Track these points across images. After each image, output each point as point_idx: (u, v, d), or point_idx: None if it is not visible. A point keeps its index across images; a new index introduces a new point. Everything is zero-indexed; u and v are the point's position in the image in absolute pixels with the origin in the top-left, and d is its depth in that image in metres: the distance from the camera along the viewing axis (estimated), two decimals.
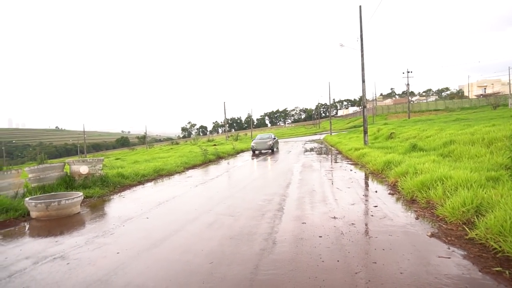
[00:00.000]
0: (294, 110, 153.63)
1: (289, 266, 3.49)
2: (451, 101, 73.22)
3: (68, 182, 9.00)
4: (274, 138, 24.27)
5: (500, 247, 3.42)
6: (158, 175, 12.26)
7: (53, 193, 7.57)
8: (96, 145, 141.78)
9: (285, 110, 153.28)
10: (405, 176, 7.19)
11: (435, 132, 16.11)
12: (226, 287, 3.13)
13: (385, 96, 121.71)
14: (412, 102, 73.00)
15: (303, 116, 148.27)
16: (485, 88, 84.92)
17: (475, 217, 4.23)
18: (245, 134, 72.90)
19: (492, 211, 4.05)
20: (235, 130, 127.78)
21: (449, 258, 3.46)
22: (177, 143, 67.41)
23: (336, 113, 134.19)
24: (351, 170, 10.94)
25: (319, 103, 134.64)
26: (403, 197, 6.33)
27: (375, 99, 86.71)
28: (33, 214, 6.43)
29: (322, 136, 43.23)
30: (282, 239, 4.38)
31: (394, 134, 20.70)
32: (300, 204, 6.35)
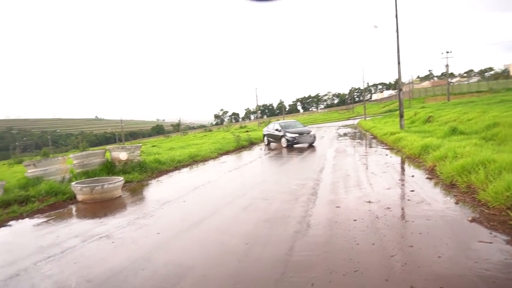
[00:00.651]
0: (326, 95, 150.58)
1: (324, 248, 3.53)
2: (496, 82, 68.66)
3: (109, 168, 9.48)
4: (308, 133, 16.22)
5: None
6: (193, 160, 12.60)
7: (96, 177, 8.01)
8: (133, 133, 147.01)
9: (317, 95, 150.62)
10: (444, 160, 6.92)
11: (477, 115, 15.33)
12: (261, 266, 3.23)
13: (423, 79, 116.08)
14: (451, 84, 69.22)
15: (336, 101, 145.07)
16: None
17: None
18: (277, 120, 72.67)
19: None
20: (267, 117, 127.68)
21: (491, 243, 3.35)
22: (210, 130, 68.54)
23: (371, 97, 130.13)
24: (386, 154, 10.69)
25: (352, 88, 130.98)
26: (442, 182, 6.13)
27: (412, 81, 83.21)
28: (79, 197, 6.87)
29: (356, 121, 42.21)
30: (316, 222, 4.41)
31: (432, 117, 19.87)
32: (334, 189, 6.33)
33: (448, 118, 17.76)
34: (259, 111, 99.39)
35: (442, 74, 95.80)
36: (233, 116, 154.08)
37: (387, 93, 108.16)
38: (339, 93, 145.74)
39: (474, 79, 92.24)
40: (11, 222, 5.60)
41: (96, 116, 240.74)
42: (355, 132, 24.03)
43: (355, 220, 4.36)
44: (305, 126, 18.17)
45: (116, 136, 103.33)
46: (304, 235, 3.96)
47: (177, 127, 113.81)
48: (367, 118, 42.33)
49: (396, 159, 9.62)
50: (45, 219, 5.67)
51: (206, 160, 13.01)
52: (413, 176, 7.04)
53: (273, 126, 17.58)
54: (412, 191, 5.70)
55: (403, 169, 8.21)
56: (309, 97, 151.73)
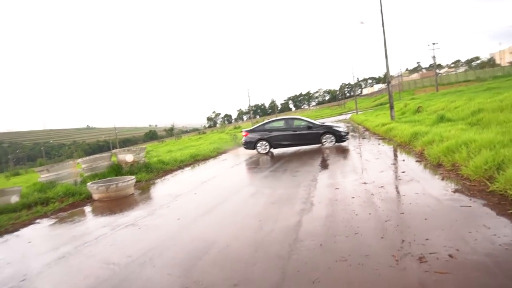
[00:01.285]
0: (317, 92, 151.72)
1: (327, 219, 4.07)
2: (482, 71, 70.10)
3: (117, 170, 9.93)
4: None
5: None
6: (195, 160, 13.10)
7: (108, 178, 8.47)
8: (126, 140, 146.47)
9: (308, 93, 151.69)
10: (431, 144, 7.52)
11: (464, 103, 15.99)
12: (276, 235, 3.75)
13: (411, 71, 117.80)
14: (440, 74, 70.49)
15: (327, 98, 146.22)
16: None
17: (496, 173, 4.60)
18: (269, 119, 73.07)
19: None
20: (259, 116, 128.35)
21: (470, 206, 3.91)
22: (204, 133, 69.04)
23: (361, 92, 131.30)
24: (378, 144, 11.29)
25: (343, 83, 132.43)
26: (430, 163, 6.72)
27: (401, 74, 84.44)
28: (95, 196, 7.34)
29: (348, 116, 42.98)
30: (318, 201, 4.96)
31: (422, 108, 20.59)
32: (332, 175, 6.88)
33: (437, 107, 18.42)
34: (252, 112, 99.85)
35: (430, 65, 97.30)
36: (226, 118, 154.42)
37: (377, 87, 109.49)
38: (330, 90, 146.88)
39: (462, 69, 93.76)
40: (38, 220, 6.08)
41: (87, 125, 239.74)
42: (347, 126, 24.64)
43: (353, 197, 4.91)
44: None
45: (109, 144, 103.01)
46: (309, 211, 4.50)
47: (170, 132, 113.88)
48: (359, 113, 43.10)
49: (388, 147, 10.21)
50: (69, 216, 6.15)
51: (206, 159, 13.51)
52: (404, 160, 7.63)
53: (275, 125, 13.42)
54: (403, 172, 6.28)
55: (395, 155, 8.80)
56: (301, 95, 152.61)
